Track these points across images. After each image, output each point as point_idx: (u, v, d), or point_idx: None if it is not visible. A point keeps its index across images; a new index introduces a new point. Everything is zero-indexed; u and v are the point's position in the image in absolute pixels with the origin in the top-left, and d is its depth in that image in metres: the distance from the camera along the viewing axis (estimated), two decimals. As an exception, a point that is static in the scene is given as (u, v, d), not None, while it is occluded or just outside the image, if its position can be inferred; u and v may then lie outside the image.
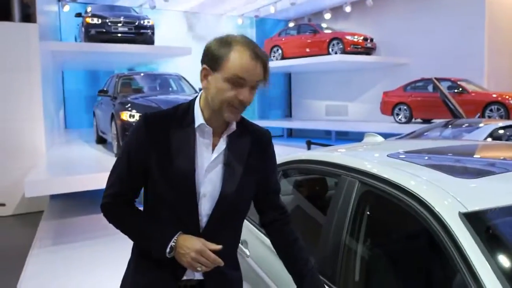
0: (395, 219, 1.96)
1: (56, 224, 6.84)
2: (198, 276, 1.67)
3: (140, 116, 1.70)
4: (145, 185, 1.68)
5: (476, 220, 1.47)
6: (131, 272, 1.76)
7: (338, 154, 2.39)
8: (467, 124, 6.74)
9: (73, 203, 7.77)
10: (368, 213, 1.90)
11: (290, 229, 1.81)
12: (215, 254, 1.56)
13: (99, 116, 9.94)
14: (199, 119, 1.63)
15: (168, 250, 1.57)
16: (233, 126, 1.67)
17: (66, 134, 13.10)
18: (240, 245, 2.63)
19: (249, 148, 1.70)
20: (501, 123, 6.59)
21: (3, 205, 3.99)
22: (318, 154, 2.49)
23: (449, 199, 1.55)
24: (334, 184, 2.53)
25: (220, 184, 1.63)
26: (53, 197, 8.01)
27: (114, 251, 5.38)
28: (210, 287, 1.67)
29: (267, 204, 1.81)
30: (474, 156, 2.38)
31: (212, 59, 1.56)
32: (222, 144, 1.66)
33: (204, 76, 1.59)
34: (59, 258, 5.37)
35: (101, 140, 9.98)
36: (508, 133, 6.29)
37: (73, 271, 4.89)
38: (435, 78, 8.94)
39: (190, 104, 1.68)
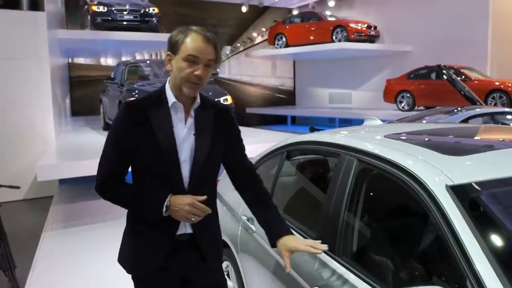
0: (390, 194, 2.12)
1: (66, 208, 7.04)
2: (189, 230, 1.99)
3: (123, 104, 2.00)
4: (133, 162, 1.97)
5: (461, 192, 1.63)
6: (131, 236, 2.07)
7: (339, 135, 2.55)
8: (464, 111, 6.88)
9: (81, 188, 7.93)
10: (365, 189, 2.06)
11: (260, 187, 2.16)
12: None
13: (106, 103, 10.09)
14: (171, 99, 1.94)
15: (164, 209, 1.87)
16: (198, 101, 1.98)
17: (73, 122, 13.27)
18: (246, 221, 2.80)
19: (213, 120, 2.02)
20: (484, 110, 6.86)
21: (18, 187, 4.15)
22: (319, 135, 2.65)
23: (438, 174, 1.70)
24: (335, 165, 2.69)
25: (194, 151, 1.95)
26: (62, 182, 8.20)
27: (122, 233, 5.57)
28: (199, 237, 2.01)
29: (236, 163, 2.14)
30: (467, 137, 2.53)
31: (172, 45, 1.89)
32: (191, 117, 1.98)
33: (168, 60, 1.93)
34: (70, 240, 5.56)
35: (108, 127, 10.14)
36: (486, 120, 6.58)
37: (84, 253, 5.08)
38: (444, 66, 8.98)
39: (161, 89, 1.99)
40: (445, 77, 8.98)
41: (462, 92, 8.33)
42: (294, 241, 1.97)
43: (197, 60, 1.84)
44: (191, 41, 1.84)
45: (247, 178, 2.16)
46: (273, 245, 2.02)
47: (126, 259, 2.06)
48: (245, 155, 2.17)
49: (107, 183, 1.97)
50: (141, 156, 1.93)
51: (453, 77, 8.69)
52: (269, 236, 2.05)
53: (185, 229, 1.99)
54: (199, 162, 1.95)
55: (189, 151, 1.94)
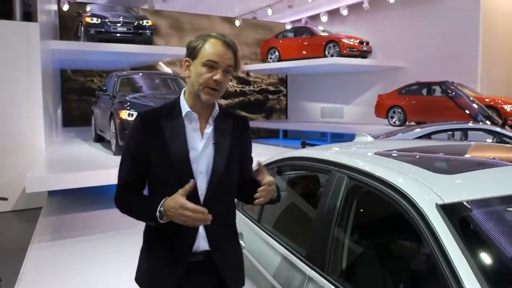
0: (380, 212, 2.11)
1: (55, 220, 6.96)
2: (206, 246, 1.88)
3: (135, 115, 1.96)
4: (148, 174, 1.89)
5: (451, 211, 1.62)
6: (146, 253, 1.98)
7: (329, 152, 2.54)
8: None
9: (70, 200, 7.89)
10: (355, 206, 2.05)
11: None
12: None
13: (97, 115, 10.05)
14: (185, 108, 1.90)
15: (158, 215, 1.75)
16: (217, 109, 1.94)
17: (64, 133, 13.19)
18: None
19: (232, 129, 1.97)
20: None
21: (6, 199, 4.10)
22: (310, 151, 2.64)
23: (429, 192, 1.70)
24: (325, 182, 2.68)
25: (212, 161, 1.88)
26: (51, 194, 8.13)
27: (110, 246, 5.56)
28: (216, 256, 1.90)
29: (245, 176, 2.04)
30: (457, 155, 2.54)
31: (191, 51, 1.87)
32: (210, 126, 1.92)
33: (186, 67, 1.90)
34: (58, 252, 5.49)
35: (99, 139, 10.10)
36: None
37: (71, 266, 5.01)
38: (453, 83, 9.04)
39: (175, 100, 1.94)
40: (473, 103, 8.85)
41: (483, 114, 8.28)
42: None
43: (216, 65, 1.81)
44: (211, 46, 1.82)
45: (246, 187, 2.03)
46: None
47: (142, 277, 1.96)
48: (251, 168, 2.10)
49: (121, 195, 1.92)
50: (155, 167, 1.87)
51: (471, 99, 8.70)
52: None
53: (201, 245, 1.88)
54: (218, 173, 1.88)
55: (206, 162, 1.88)
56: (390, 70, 14.93)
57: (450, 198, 1.67)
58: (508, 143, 6.59)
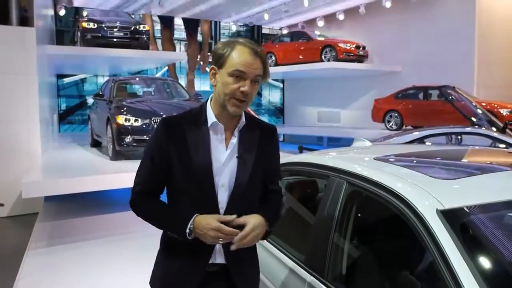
0: (380, 217, 2.11)
1: (51, 226, 6.90)
2: (221, 260, 1.84)
3: (159, 120, 1.87)
4: (168, 180, 1.85)
5: (451, 216, 1.62)
6: (163, 259, 1.93)
7: (328, 157, 2.54)
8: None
9: (67, 205, 7.85)
10: (354, 211, 2.05)
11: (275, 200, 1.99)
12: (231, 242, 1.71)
13: (94, 120, 10.02)
14: (211, 118, 1.82)
15: (187, 231, 1.72)
16: (243, 120, 1.84)
17: (60, 138, 13.15)
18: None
19: (258, 141, 1.88)
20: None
21: (2, 205, 4.07)
22: (310, 157, 2.64)
23: (429, 197, 1.70)
24: (325, 187, 2.68)
25: (235, 175, 1.81)
26: (47, 199, 8.08)
27: (107, 252, 5.52)
28: (233, 269, 1.85)
29: (269, 187, 1.97)
30: (456, 160, 2.54)
31: (217, 58, 1.77)
32: (234, 139, 1.84)
33: (212, 75, 1.81)
34: (54, 258, 5.44)
35: (95, 144, 10.07)
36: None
37: (68, 272, 4.96)
38: (453, 87, 9.07)
39: (202, 106, 1.87)
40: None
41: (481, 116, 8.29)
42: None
43: (243, 75, 1.72)
44: (238, 55, 1.72)
45: (267, 197, 1.98)
46: None
47: (157, 282, 1.94)
48: (275, 179, 2.02)
49: (139, 199, 1.87)
50: (174, 176, 1.82)
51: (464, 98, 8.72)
52: None
53: (217, 258, 1.85)
54: (240, 188, 1.81)
55: (229, 176, 1.81)
56: (387, 74, 14.96)
57: (451, 203, 1.67)
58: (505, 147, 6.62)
